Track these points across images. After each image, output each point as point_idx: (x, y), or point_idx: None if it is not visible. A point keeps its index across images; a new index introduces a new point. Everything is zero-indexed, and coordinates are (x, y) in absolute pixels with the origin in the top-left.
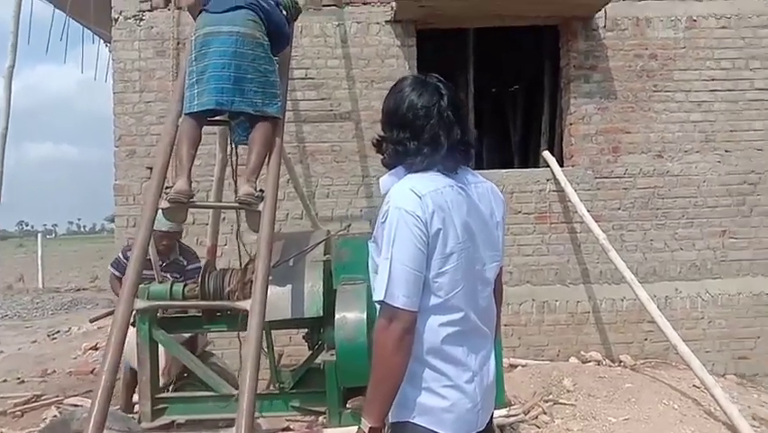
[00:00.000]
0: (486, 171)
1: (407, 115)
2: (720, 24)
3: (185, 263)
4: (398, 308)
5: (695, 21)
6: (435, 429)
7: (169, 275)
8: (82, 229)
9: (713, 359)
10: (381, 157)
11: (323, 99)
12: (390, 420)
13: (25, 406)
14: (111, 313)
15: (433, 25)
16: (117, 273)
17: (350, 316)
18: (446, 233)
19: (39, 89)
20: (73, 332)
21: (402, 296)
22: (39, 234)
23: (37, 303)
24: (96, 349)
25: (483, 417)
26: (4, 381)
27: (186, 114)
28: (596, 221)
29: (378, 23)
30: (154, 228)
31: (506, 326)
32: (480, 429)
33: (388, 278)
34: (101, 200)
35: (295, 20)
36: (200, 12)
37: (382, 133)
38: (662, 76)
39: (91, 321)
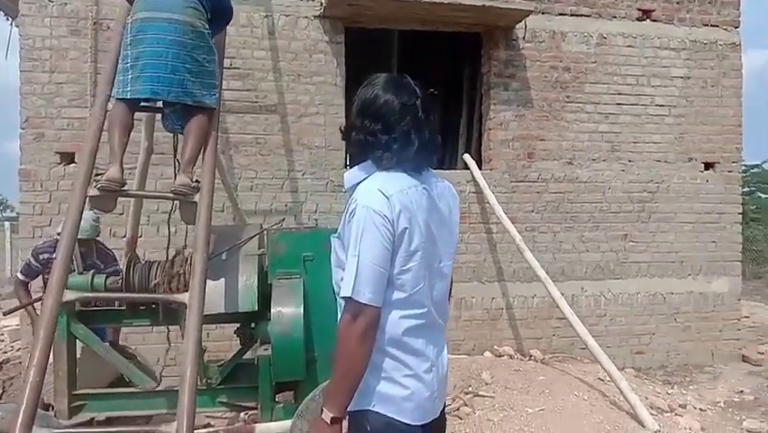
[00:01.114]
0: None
1: (383, 108)
2: (627, 43)
3: (102, 267)
4: (364, 304)
5: (605, 38)
6: (394, 417)
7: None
8: None
9: (614, 354)
10: (348, 146)
11: (248, 90)
12: (350, 409)
13: None
14: (28, 305)
15: (361, 24)
16: (25, 279)
17: (286, 311)
18: (411, 232)
19: None
20: None
21: (368, 292)
22: None
23: None
24: None
25: (438, 405)
26: None
27: (118, 99)
28: (512, 222)
29: (306, 18)
30: None
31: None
32: (435, 417)
33: (356, 275)
34: None
35: None
36: None
37: (351, 121)
38: (575, 88)
39: (5, 314)
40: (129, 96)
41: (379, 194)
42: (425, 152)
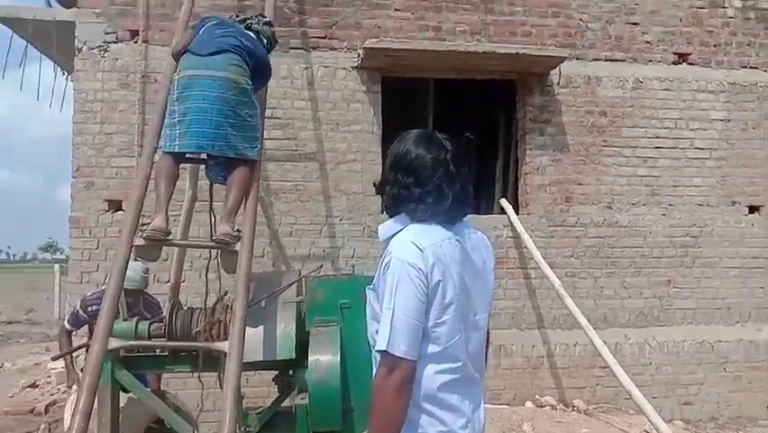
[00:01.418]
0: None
1: (414, 162)
2: (664, 87)
3: (148, 317)
4: (400, 357)
5: (641, 82)
6: None
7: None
8: (12, 258)
9: (660, 405)
10: (382, 201)
11: (288, 139)
12: None
13: None
14: (69, 352)
15: (397, 73)
16: (71, 328)
17: (323, 359)
18: (445, 284)
19: None
20: (7, 368)
21: (403, 345)
22: None
23: None
24: (35, 387)
25: None
26: None
27: (165, 152)
28: (550, 267)
29: (344, 69)
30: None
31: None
32: None
33: (390, 328)
34: (33, 228)
35: (271, 51)
36: (184, 52)
37: (385, 176)
38: (612, 132)
39: (53, 359)
40: (176, 150)
41: (413, 246)
42: (457, 205)
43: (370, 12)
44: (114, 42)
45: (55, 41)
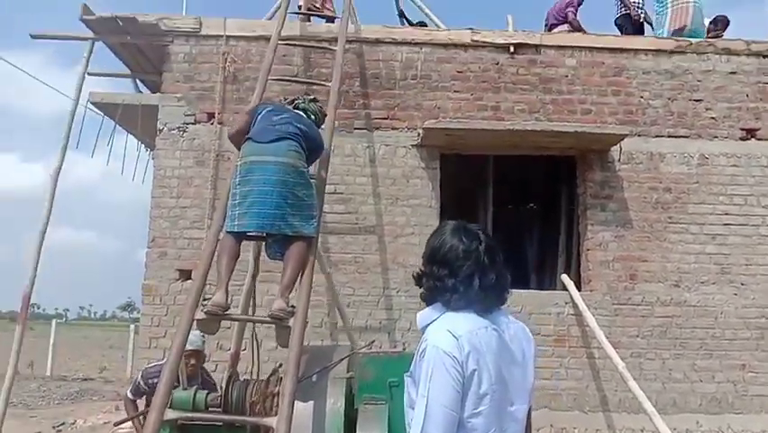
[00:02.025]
0: None
1: (448, 254)
2: (731, 163)
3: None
4: None
5: (707, 158)
6: None
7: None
8: (93, 315)
9: None
10: (420, 291)
11: (349, 213)
12: None
13: None
14: (133, 418)
15: (455, 151)
16: (132, 397)
17: None
18: (480, 374)
19: (63, 176)
20: (79, 425)
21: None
22: (53, 321)
23: (44, 391)
24: None
25: None
26: None
27: (227, 231)
28: (614, 347)
29: (404, 147)
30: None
31: None
32: None
33: (425, 416)
34: (114, 288)
35: (321, 124)
36: (246, 140)
37: (423, 268)
38: (677, 208)
39: (115, 425)
40: (237, 230)
41: (449, 334)
42: (493, 294)
43: (431, 93)
44: (192, 124)
45: (140, 122)
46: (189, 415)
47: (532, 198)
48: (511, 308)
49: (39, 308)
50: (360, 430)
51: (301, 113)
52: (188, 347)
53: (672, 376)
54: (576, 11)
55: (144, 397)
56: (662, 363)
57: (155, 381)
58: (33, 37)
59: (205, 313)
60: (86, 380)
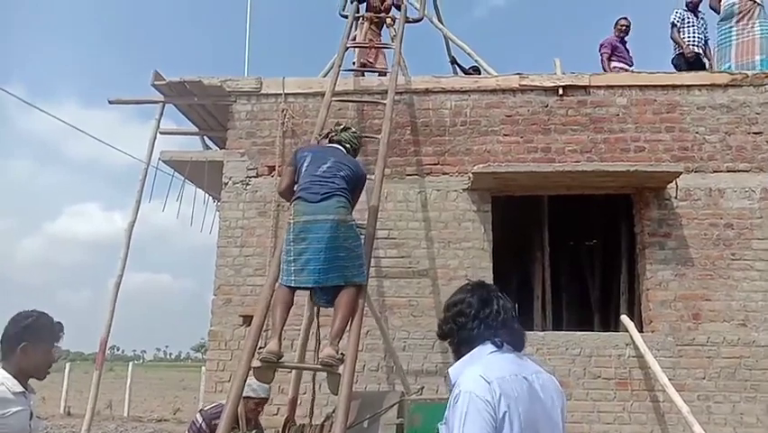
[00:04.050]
0: (563, 333)
1: (466, 308)
2: None
3: None
4: None
5: None
6: None
7: None
8: (168, 356)
9: None
10: (448, 346)
11: (402, 257)
12: None
13: None
14: None
15: (507, 193)
16: None
17: None
18: (512, 418)
19: (142, 222)
20: None
21: None
22: (130, 363)
23: (121, 432)
24: None
25: None
26: None
27: (282, 284)
28: (680, 390)
29: (455, 191)
30: (253, 396)
31: None
32: None
33: None
34: (188, 329)
35: (358, 149)
36: (296, 198)
37: (444, 324)
38: (740, 244)
39: None
40: (293, 285)
41: (481, 379)
42: (513, 341)
43: (480, 138)
44: (255, 177)
45: (206, 177)
46: None
47: (592, 235)
48: (570, 350)
49: (118, 350)
50: None
51: (338, 146)
52: (260, 395)
53: (743, 420)
54: (610, 53)
55: None
56: (732, 407)
57: (217, 422)
58: (111, 102)
59: (260, 361)
60: (160, 421)
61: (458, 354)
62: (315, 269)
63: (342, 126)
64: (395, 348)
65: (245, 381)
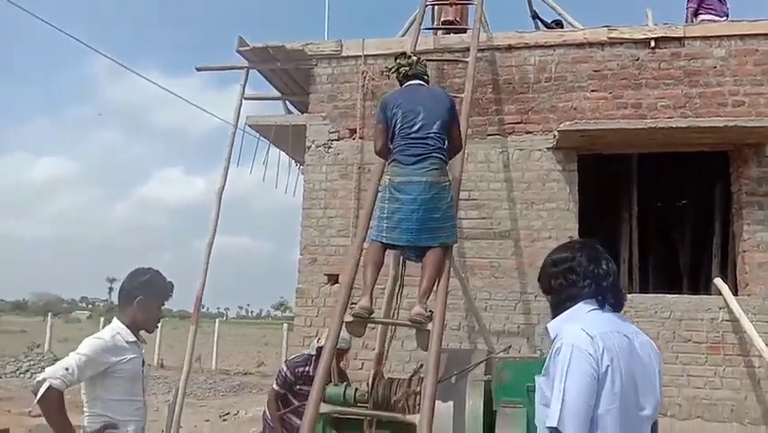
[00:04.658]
0: (652, 296)
1: (577, 266)
2: None
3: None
4: None
5: None
6: None
7: None
8: (250, 314)
9: None
10: (549, 300)
11: (483, 218)
12: None
13: None
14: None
15: (594, 151)
16: (279, 389)
17: None
18: (614, 372)
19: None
20: (241, 415)
21: (572, 427)
22: (216, 320)
23: (210, 384)
24: None
25: None
26: None
27: (373, 240)
28: None
29: (539, 150)
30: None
31: None
32: None
33: (562, 408)
34: (268, 288)
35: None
36: (392, 159)
37: (556, 280)
38: None
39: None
40: (385, 241)
41: (584, 333)
42: (613, 300)
43: (566, 95)
44: (336, 140)
45: (290, 141)
46: (341, 409)
47: (683, 195)
48: (659, 313)
49: (204, 308)
50: (498, 432)
51: (420, 83)
52: (341, 346)
53: None
54: (696, 7)
55: (290, 387)
56: None
57: (302, 369)
58: (198, 69)
59: (353, 316)
60: (245, 374)
61: (557, 310)
62: (408, 228)
63: (410, 59)
64: (477, 309)
65: (339, 335)
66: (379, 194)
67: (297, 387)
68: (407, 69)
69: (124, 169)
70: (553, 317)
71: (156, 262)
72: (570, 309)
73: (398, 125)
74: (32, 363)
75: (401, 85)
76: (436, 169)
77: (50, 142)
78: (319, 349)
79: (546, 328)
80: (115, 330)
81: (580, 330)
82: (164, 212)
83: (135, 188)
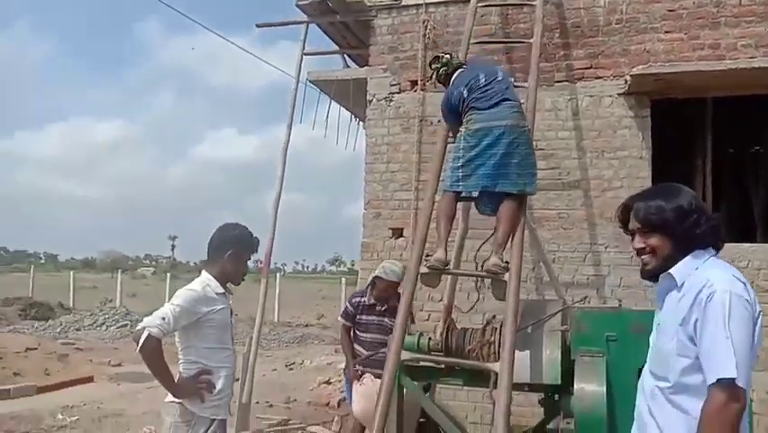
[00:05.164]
0: (729, 244)
1: (701, 207)
2: None
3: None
4: (742, 388)
5: None
6: None
7: (387, 319)
8: (305, 269)
9: None
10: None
11: (551, 168)
12: None
13: (277, 428)
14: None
15: (668, 96)
16: (346, 322)
17: (588, 388)
18: (760, 320)
19: (274, 145)
20: (306, 365)
21: (743, 376)
22: (276, 275)
23: (274, 335)
24: (329, 384)
25: None
26: (257, 402)
27: (445, 190)
28: None
29: (610, 96)
30: (383, 278)
31: (755, 414)
32: None
33: (734, 356)
34: (321, 243)
35: None
36: (469, 109)
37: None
38: None
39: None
40: (459, 190)
41: (737, 279)
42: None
43: (638, 37)
44: (398, 93)
45: (351, 95)
46: (420, 357)
47: (758, 141)
48: (736, 262)
49: (261, 264)
50: (578, 380)
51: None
52: (390, 278)
53: None
54: None
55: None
56: None
57: (359, 300)
58: (258, 26)
59: (428, 268)
60: (306, 326)
61: (673, 252)
62: (485, 174)
63: (443, 59)
64: (544, 261)
65: (415, 287)
66: (452, 145)
67: (358, 317)
68: (446, 68)
69: (179, 130)
70: (662, 265)
71: (216, 221)
72: (690, 255)
73: (467, 95)
74: (106, 316)
75: (447, 85)
76: (516, 111)
77: (108, 105)
78: (375, 278)
79: (670, 274)
80: (205, 282)
81: (732, 277)
82: (218, 171)
83: (190, 148)
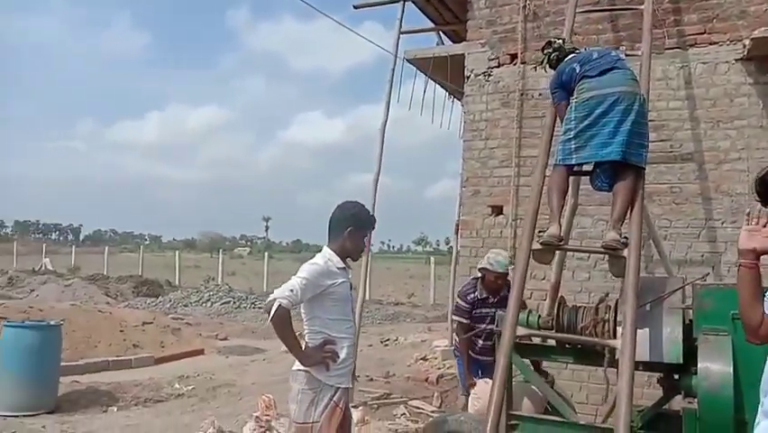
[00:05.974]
0: None
1: None
2: None
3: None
4: None
5: None
6: None
7: (502, 310)
8: (391, 249)
9: None
10: None
11: (662, 141)
12: None
13: (379, 401)
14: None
15: None
16: (461, 320)
17: (713, 367)
18: None
19: (360, 127)
20: (400, 341)
21: None
22: (369, 253)
23: (367, 312)
24: (425, 360)
25: None
26: (358, 376)
27: (557, 164)
28: None
29: (726, 62)
30: (490, 270)
31: None
32: None
33: None
34: (406, 224)
35: None
36: (580, 79)
37: None
38: None
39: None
40: (573, 162)
41: None
42: None
43: None
44: (496, 67)
45: (449, 72)
46: (537, 333)
47: None
48: None
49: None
50: (701, 360)
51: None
52: (497, 270)
53: None
54: None
55: (469, 315)
56: None
57: (472, 295)
58: (356, 7)
59: (542, 244)
60: (397, 304)
61: None
62: (599, 143)
63: (554, 44)
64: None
65: (527, 263)
66: (566, 116)
67: (475, 312)
68: (558, 53)
69: (268, 114)
70: None
71: (308, 202)
72: None
73: (579, 69)
74: (211, 293)
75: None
76: (631, 78)
77: (201, 92)
78: (482, 270)
79: None
80: (326, 257)
81: None
82: (306, 154)
83: (279, 132)
